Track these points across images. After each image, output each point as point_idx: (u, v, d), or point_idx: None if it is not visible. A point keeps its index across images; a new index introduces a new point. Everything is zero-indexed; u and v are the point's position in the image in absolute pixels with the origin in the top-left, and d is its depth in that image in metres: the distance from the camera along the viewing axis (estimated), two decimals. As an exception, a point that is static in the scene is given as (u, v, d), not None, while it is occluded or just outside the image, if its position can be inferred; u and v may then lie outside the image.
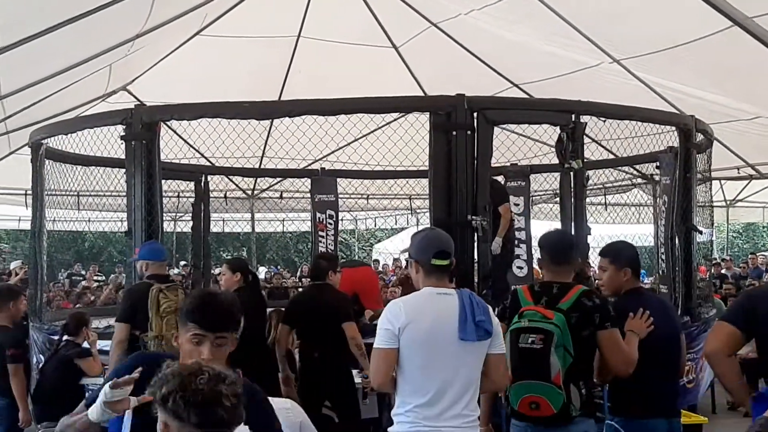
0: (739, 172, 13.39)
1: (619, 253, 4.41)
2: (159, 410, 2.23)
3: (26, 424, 6.08)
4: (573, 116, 6.66)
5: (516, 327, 3.89)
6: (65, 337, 6.78)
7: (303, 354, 6.36)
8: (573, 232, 6.97)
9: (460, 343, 3.46)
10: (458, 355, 3.48)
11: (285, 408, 4.04)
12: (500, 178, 9.50)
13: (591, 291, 4.02)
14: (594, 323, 3.82)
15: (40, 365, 6.91)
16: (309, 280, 7.85)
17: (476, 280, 6.47)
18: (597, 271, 4.77)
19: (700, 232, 8.15)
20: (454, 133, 6.33)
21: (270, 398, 3.81)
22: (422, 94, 12.33)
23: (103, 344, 7.02)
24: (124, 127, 6.80)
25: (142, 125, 6.71)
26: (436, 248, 3.61)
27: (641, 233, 13.34)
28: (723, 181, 14.53)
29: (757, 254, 20.36)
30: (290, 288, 15.33)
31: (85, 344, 6.80)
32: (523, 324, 3.87)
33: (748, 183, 14.75)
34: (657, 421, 4.20)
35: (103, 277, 19.89)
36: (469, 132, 6.34)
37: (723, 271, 15.23)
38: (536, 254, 7.61)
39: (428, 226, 3.92)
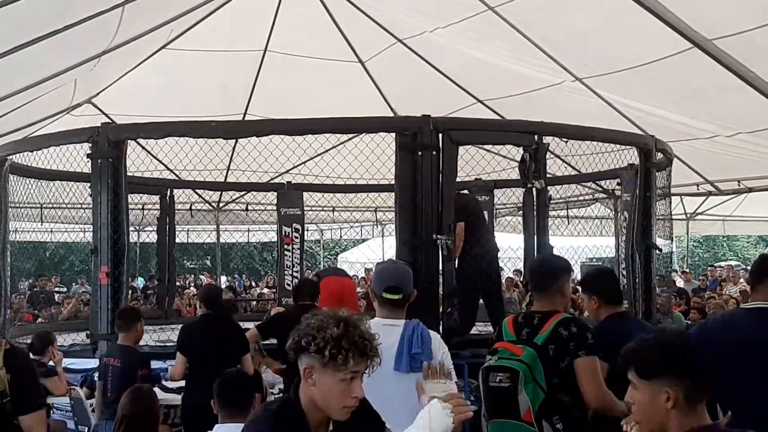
0: (698, 189, 13.66)
1: (586, 280, 4.39)
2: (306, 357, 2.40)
3: None
4: (536, 137, 6.77)
5: (486, 365, 3.84)
6: (31, 356, 6.71)
7: None
8: (535, 249, 7.06)
9: (396, 374, 3.67)
10: (394, 387, 3.58)
11: None
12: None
13: (570, 319, 3.87)
14: (570, 353, 3.71)
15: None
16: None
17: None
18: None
19: (660, 250, 8.29)
20: (420, 153, 6.42)
21: None
22: (388, 110, 12.42)
23: (68, 362, 6.99)
24: (90, 145, 6.79)
25: (109, 143, 6.69)
26: (387, 282, 3.87)
27: (602, 245, 13.52)
28: (683, 196, 14.77)
29: (716, 266, 20.77)
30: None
31: (51, 363, 6.75)
32: (492, 362, 3.81)
33: (706, 198, 15.02)
34: None
35: (65, 289, 19.61)
36: (434, 152, 6.43)
37: (680, 284, 15.26)
38: (505, 269, 7.71)
39: (390, 258, 4.25)
